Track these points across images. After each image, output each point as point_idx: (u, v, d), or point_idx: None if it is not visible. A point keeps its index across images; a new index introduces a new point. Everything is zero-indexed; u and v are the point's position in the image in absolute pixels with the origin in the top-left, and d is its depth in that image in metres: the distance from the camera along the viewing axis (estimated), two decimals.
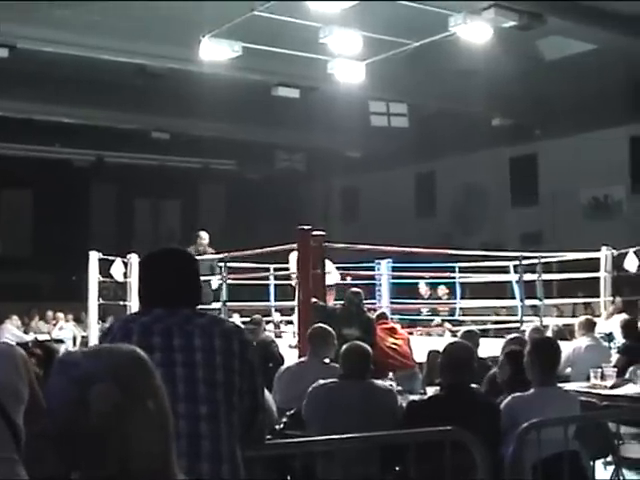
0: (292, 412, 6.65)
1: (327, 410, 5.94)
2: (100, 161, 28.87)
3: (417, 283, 18.32)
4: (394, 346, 11.21)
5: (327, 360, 8.11)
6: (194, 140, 26.41)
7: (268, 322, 15.54)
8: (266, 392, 6.34)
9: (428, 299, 18.43)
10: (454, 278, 17.11)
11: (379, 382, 6.80)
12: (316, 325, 9.09)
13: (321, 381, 6.36)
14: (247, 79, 19.95)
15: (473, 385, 6.31)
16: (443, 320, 17.76)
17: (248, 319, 12.93)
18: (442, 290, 18.52)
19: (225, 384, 3.29)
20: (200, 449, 3.17)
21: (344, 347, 6.64)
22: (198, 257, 14.30)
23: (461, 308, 17.50)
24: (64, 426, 1.80)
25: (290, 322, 15.54)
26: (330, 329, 8.44)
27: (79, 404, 1.78)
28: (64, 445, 1.81)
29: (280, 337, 15.34)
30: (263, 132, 25.78)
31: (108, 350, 1.93)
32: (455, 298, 17.50)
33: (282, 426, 6.47)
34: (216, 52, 16.90)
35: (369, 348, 6.57)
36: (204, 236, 15.74)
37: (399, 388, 7.80)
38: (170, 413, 1.91)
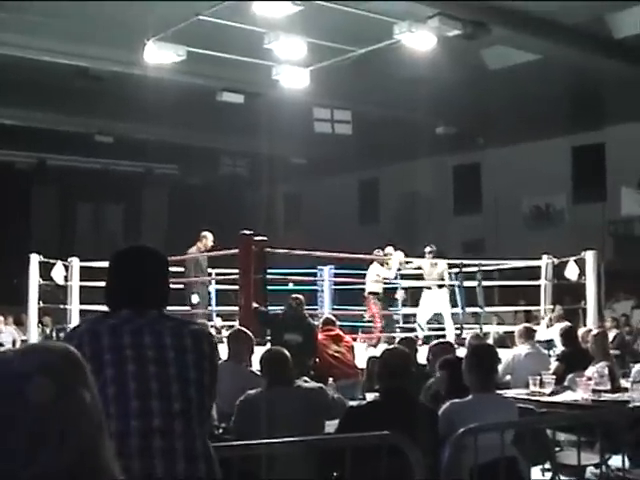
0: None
1: (260, 421, 5.88)
2: (42, 164, 28.65)
3: (359, 289, 18.26)
4: (337, 354, 11.22)
5: (245, 363, 8.13)
6: (137, 144, 26.22)
7: (210, 327, 15.45)
8: None
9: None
10: (396, 285, 17.19)
11: (305, 384, 6.77)
12: (235, 328, 9.11)
13: (250, 392, 6.31)
14: (191, 84, 19.83)
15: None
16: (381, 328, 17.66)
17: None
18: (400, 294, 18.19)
19: (197, 382, 3.27)
20: (175, 447, 3.12)
21: (262, 354, 6.68)
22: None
23: (404, 315, 17.57)
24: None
25: (232, 327, 15.43)
26: (248, 332, 8.47)
27: (15, 398, 1.76)
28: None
29: (222, 342, 15.24)
30: (207, 137, 25.71)
31: (40, 347, 1.91)
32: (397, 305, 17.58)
33: (221, 431, 6.42)
34: (160, 56, 16.80)
35: (286, 352, 6.57)
36: (210, 237, 15.45)
37: (337, 395, 7.70)
38: (102, 410, 1.89)
